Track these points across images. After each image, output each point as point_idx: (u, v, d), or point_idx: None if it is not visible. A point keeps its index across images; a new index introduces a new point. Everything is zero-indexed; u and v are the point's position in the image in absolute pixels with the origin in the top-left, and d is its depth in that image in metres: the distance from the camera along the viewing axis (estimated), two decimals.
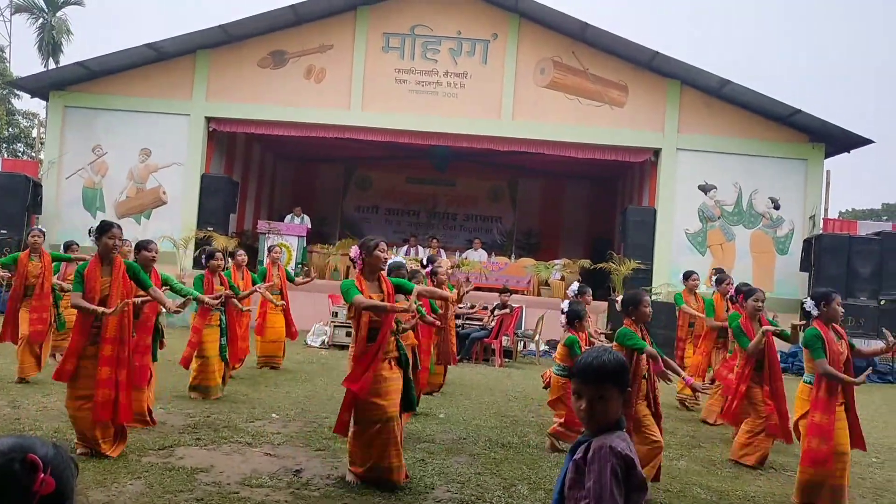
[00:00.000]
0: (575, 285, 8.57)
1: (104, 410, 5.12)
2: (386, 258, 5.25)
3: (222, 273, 7.90)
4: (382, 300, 4.96)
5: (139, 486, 4.60)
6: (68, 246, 8.84)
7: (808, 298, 5.34)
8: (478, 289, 14.42)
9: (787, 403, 6.16)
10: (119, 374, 5.20)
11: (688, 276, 9.43)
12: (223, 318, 7.71)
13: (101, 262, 5.34)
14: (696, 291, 9.31)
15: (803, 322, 5.66)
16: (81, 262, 5.68)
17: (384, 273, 5.34)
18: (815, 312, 5.22)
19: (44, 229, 8.61)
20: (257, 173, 20.07)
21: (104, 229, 5.37)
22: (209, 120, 16.22)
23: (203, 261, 7.80)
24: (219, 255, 7.88)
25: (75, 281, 5.31)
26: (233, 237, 16.09)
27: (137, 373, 5.68)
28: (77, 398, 5.22)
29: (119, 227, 5.47)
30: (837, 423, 4.98)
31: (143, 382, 5.91)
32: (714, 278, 9.36)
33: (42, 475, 1.29)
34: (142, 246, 6.20)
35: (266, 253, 10.84)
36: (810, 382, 5.18)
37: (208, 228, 15.37)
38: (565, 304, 6.58)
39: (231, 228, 16.91)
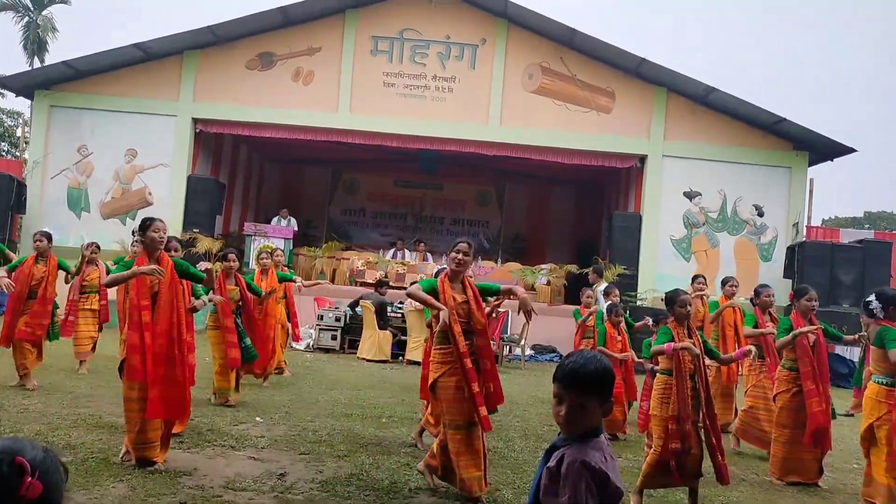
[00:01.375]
0: (603, 285, 8.66)
1: (155, 408, 5.02)
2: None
3: (238, 274, 7.76)
4: (466, 301, 5.01)
5: (122, 488, 4.57)
6: (89, 245, 8.89)
7: (874, 299, 5.18)
8: None
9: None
10: (169, 371, 5.14)
11: (694, 279, 9.45)
12: (239, 321, 7.57)
13: (148, 258, 5.19)
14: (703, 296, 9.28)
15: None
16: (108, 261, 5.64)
17: (469, 277, 5.29)
18: (881, 315, 5.12)
19: (48, 231, 8.42)
20: (244, 175, 20.00)
21: (148, 224, 5.23)
22: (196, 121, 16.16)
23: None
24: (232, 255, 7.74)
25: (119, 268, 5.33)
26: (218, 239, 16.01)
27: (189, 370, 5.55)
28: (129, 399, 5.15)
29: (162, 220, 5.34)
30: None
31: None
32: (721, 281, 9.23)
33: (29, 479, 1.28)
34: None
35: (255, 257, 10.55)
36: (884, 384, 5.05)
37: (194, 230, 15.29)
38: (603, 304, 6.64)
39: (217, 230, 16.84)
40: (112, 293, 9.09)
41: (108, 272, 8.66)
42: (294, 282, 9.47)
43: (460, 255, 5.03)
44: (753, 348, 5.70)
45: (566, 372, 2.13)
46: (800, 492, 5.92)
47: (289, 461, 5.48)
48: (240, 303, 7.63)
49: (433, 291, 4.99)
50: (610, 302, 8.21)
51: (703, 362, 5.18)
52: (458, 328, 4.90)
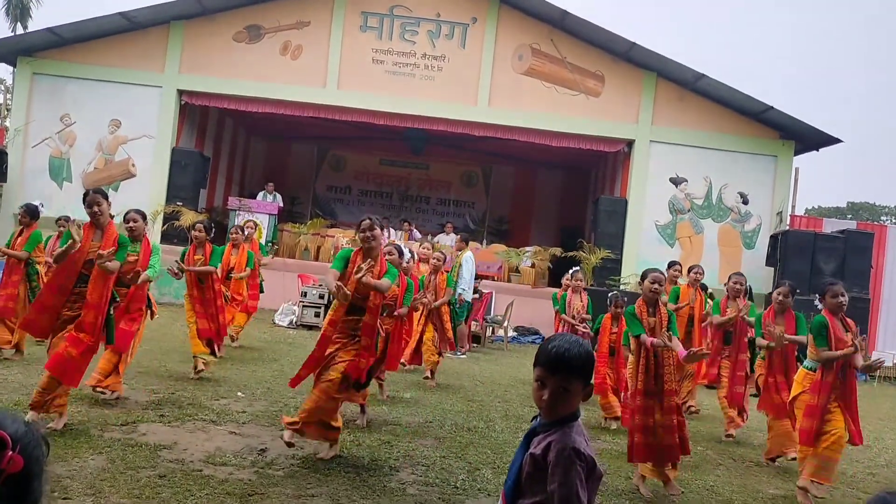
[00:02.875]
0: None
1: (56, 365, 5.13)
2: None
3: (208, 244, 7.71)
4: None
5: (100, 461, 4.55)
6: (58, 220, 8.82)
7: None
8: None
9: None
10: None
11: (670, 266, 9.49)
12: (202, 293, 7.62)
13: (92, 229, 5.36)
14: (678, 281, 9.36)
15: None
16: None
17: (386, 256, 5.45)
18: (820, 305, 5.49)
19: (36, 204, 8.35)
20: (229, 149, 19.81)
21: (84, 197, 5.42)
22: (181, 93, 15.94)
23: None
24: (199, 225, 7.76)
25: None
26: (202, 212, 15.87)
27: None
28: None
29: (100, 195, 5.42)
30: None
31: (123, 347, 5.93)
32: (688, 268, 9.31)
33: (10, 452, 1.25)
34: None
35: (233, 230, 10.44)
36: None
37: (177, 203, 15.16)
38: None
39: (201, 204, 16.69)
40: None
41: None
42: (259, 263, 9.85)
43: (365, 234, 5.16)
44: (704, 349, 5.81)
45: (550, 356, 2.13)
46: (775, 476, 6.01)
47: (269, 437, 5.47)
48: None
49: (345, 259, 5.19)
50: (612, 293, 8.27)
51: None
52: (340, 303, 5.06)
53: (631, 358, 5.41)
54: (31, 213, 7.79)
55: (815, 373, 5.37)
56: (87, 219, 5.43)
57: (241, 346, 9.73)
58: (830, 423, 5.17)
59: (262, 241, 14.66)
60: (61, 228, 8.84)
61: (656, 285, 5.29)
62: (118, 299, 5.75)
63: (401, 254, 6.50)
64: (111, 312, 5.53)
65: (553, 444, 2.05)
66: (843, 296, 5.38)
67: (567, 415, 2.11)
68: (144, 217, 6.37)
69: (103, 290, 5.28)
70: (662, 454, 5.11)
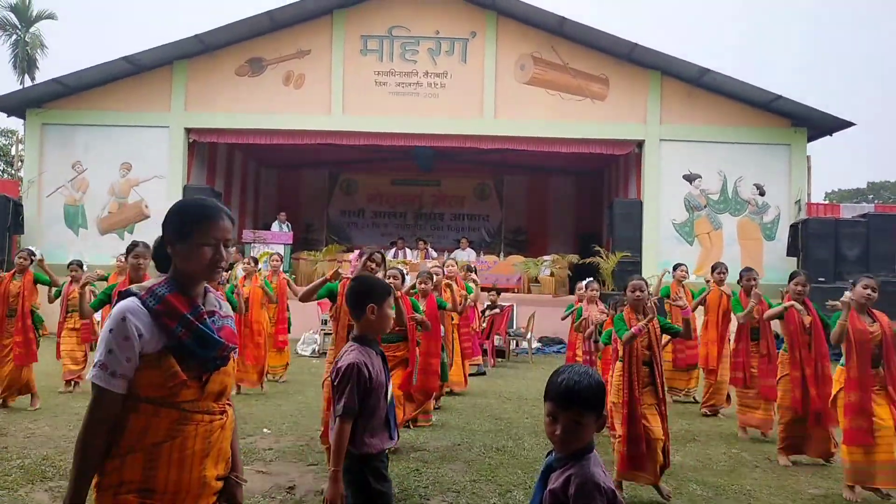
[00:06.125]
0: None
1: None
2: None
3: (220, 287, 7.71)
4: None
5: None
6: (70, 265, 8.86)
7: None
8: None
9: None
10: None
11: (675, 267, 9.43)
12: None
13: (129, 282, 5.49)
14: (684, 283, 9.30)
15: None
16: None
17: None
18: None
19: (33, 249, 8.42)
20: (240, 182, 19.93)
21: (130, 249, 5.65)
22: (189, 131, 16.09)
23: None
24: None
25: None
26: None
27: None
28: None
29: (146, 246, 5.59)
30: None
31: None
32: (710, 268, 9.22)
33: None
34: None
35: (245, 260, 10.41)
36: None
37: None
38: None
39: None
40: (99, 313, 9.10)
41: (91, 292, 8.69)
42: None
43: (374, 266, 5.36)
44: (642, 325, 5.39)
45: (560, 390, 2.08)
46: (813, 475, 5.86)
47: (297, 473, 5.41)
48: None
49: (331, 291, 5.52)
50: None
51: (659, 349, 5.22)
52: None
53: (619, 364, 5.32)
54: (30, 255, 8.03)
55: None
56: (101, 263, 5.49)
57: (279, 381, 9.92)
58: (876, 422, 5.00)
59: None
60: (73, 273, 8.88)
61: (637, 292, 5.24)
62: None
63: (403, 278, 6.53)
64: None
65: (573, 479, 2.01)
66: (873, 290, 5.20)
67: (582, 447, 2.07)
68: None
69: None
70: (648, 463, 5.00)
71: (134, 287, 2.08)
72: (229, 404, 2.25)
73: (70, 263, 8.91)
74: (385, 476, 3.04)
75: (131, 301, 2.02)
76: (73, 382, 8.92)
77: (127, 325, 1.97)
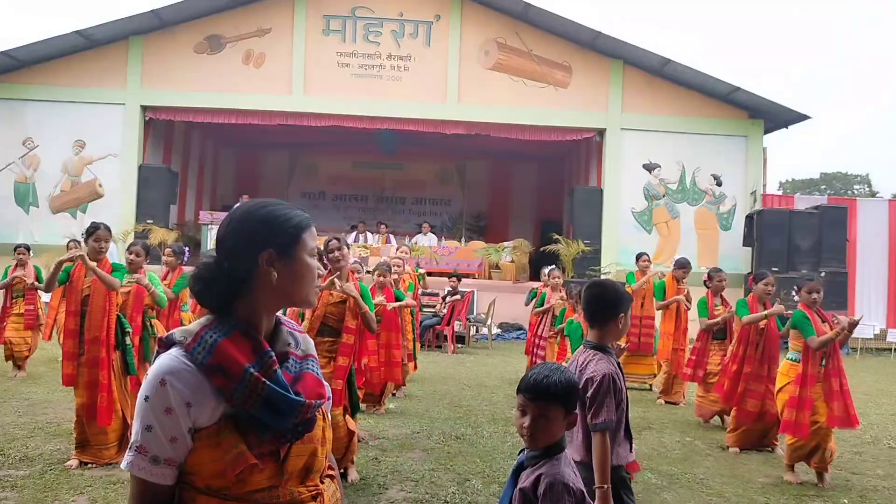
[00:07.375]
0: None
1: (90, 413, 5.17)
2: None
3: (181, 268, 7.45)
4: (342, 302, 5.06)
5: (82, 501, 4.43)
6: (17, 248, 8.67)
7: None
8: (429, 274, 14.35)
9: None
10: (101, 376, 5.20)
11: (638, 257, 9.52)
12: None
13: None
14: (648, 272, 9.39)
15: None
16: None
17: (357, 277, 5.35)
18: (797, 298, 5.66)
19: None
20: (198, 162, 19.54)
21: (91, 231, 5.33)
22: (145, 108, 15.69)
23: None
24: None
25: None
26: (174, 229, 15.66)
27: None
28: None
29: (107, 229, 5.38)
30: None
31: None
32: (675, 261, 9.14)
33: None
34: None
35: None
36: None
37: (148, 221, 14.90)
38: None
39: (172, 220, 16.46)
40: (46, 297, 8.92)
41: (36, 276, 8.47)
42: None
43: (334, 254, 5.00)
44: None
45: (530, 383, 2.12)
46: (763, 463, 6.01)
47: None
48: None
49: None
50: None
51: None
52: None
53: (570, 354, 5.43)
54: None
55: (798, 364, 5.41)
56: (52, 244, 5.34)
57: None
58: (816, 415, 5.28)
59: None
60: (20, 256, 8.65)
61: (815, 294, 5.45)
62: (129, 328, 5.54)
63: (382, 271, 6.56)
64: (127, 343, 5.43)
65: (543, 478, 2.03)
66: (818, 293, 5.45)
67: (552, 445, 2.09)
68: (147, 251, 6.03)
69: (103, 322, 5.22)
70: None
71: (177, 333, 1.49)
72: (326, 480, 1.63)
73: (17, 247, 8.67)
74: (631, 489, 2.94)
75: (173, 356, 1.45)
76: (19, 366, 8.69)
77: (168, 392, 1.41)
